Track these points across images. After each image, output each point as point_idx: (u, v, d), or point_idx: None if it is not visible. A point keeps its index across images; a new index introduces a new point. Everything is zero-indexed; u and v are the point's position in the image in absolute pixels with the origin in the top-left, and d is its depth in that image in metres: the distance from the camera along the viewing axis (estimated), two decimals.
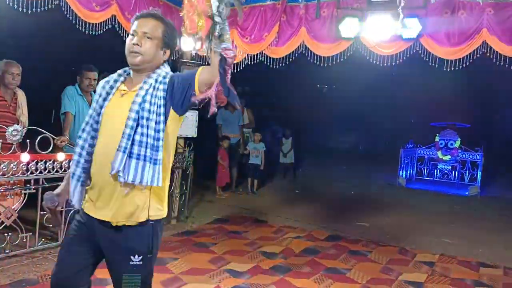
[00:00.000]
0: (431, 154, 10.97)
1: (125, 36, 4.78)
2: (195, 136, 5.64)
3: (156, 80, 1.90)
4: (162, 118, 1.85)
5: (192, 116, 5.57)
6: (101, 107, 1.92)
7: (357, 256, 4.73)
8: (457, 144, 10.57)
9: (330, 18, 5.05)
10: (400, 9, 4.41)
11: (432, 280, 4.16)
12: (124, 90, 1.94)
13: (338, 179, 9.87)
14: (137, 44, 1.89)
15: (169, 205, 5.36)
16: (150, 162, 1.83)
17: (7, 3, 3.56)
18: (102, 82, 2.00)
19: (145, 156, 1.82)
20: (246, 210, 6.65)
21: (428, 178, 10.91)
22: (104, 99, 1.94)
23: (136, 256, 1.89)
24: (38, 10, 3.82)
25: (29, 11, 3.73)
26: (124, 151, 1.80)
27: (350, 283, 3.96)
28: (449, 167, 10.73)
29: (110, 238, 1.91)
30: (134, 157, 1.82)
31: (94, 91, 4.66)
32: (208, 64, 1.85)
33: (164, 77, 1.91)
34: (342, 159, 12.59)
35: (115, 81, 1.97)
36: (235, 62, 5.56)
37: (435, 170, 10.96)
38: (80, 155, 1.94)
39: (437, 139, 10.80)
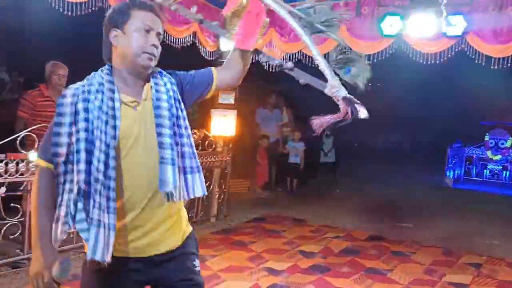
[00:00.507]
0: (480, 153, 10.56)
1: (165, 37, 4.92)
2: (233, 135, 5.70)
3: (164, 82, 1.64)
4: (187, 122, 1.67)
5: (230, 116, 5.64)
6: (114, 128, 1.50)
7: (399, 257, 4.63)
8: (508, 143, 10.12)
9: (370, 16, 4.96)
10: (442, 7, 4.27)
11: (478, 282, 4.01)
12: (135, 102, 1.58)
13: (381, 178, 9.66)
14: (157, 47, 1.60)
15: (208, 203, 5.54)
16: (198, 172, 1.66)
17: (52, 6, 3.73)
18: (74, 91, 1.54)
19: (191, 167, 1.63)
20: (284, 209, 6.66)
21: (477, 179, 10.52)
22: (114, 118, 1.51)
23: (196, 260, 1.77)
24: (82, 13, 3.98)
25: (74, 14, 3.89)
26: (172, 163, 1.54)
27: (391, 283, 3.88)
28: (500, 167, 10.30)
29: (168, 265, 1.67)
30: (187, 171, 1.62)
31: None
32: None
33: (169, 78, 1.67)
34: (385, 158, 12.29)
35: (111, 91, 1.54)
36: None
37: (485, 170, 10.53)
38: (108, 198, 1.49)
39: (486, 138, 10.38)
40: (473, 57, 4.58)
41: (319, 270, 4.10)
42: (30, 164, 3.53)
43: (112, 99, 1.52)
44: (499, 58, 4.40)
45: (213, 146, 5.44)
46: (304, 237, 5.21)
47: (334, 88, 1.63)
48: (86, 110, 1.51)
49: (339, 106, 1.63)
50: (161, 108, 1.58)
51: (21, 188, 3.62)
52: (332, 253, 4.66)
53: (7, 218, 3.57)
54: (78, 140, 1.48)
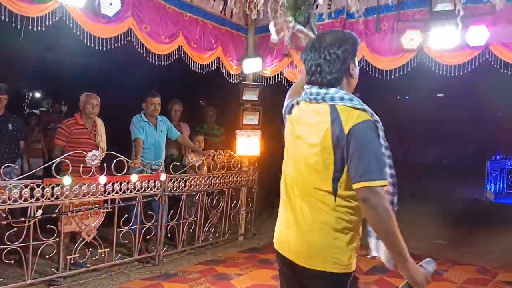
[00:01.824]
0: None
1: (190, 64, 5.15)
2: (258, 154, 5.80)
3: None
4: None
5: (255, 136, 5.75)
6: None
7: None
8: None
9: (390, 31, 4.98)
10: (459, 19, 4.24)
11: None
12: None
13: (419, 194, 9.40)
14: None
15: (235, 222, 5.62)
16: None
17: (85, 42, 4.03)
18: None
19: None
20: None
21: None
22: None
23: None
24: (112, 47, 4.26)
25: (102, 48, 4.18)
26: None
27: None
28: None
29: None
30: None
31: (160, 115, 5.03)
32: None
33: None
34: (423, 173, 11.98)
35: None
36: (295, 81, 5.73)
37: None
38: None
39: None
40: (498, 67, 4.48)
41: None
42: (65, 188, 3.77)
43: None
44: None
45: (239, 165, 5.56)
46: None
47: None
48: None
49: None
50: None
51: (56, 211, 3.85)
52: (361, 272, 4.59)
53: (44, 239, 3.79)
54: (388, 157, 1.72)
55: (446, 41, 4.53)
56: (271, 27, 2.25)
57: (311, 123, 1.76)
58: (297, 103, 1.88)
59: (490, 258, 5.06)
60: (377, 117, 1.69)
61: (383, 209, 1.56)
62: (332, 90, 1.73)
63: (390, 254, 1.68)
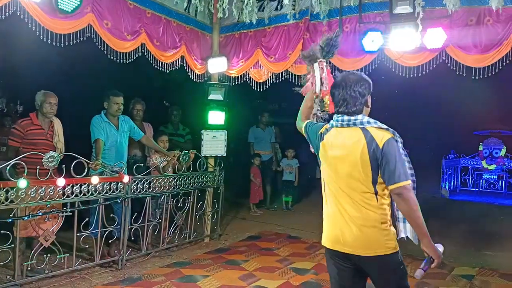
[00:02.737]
0: (475, 164, 10.58)
1: (155, 63, 5.03)
2: (224, 155, 5.76)
3: None
4: None
5: (221, 136, 5.71)
6: None
7: None
8: (503, 152, 10.14)
9: (353, 33, 5.08)
10: (419, 21, 4.38)
11: None
12: None
13: None
14: None
15: (201, 223, 5.56)
16: None
17: (41, 38, 3.85)
18: None
19: None
20: (279, 226, 6.67)
21: (474, 189, 10.50)
22: None
23: None
24: (71, 43, 4.10)
25: (61, 44, 4.01)
26: None
27: None
28: (495, 177, 10.29)
29: None
30: None
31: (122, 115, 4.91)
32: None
33: None
34: None
35: None
36: (260, 81, 5.76)
37: (481, 180, 10.53)
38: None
39: (481, 148, 10.41)
40: (454, 68, 4.65)
41: (311, 287, 4.11)
42: (20, 192, 3.58)
43: None
44: (479, 69, 4.48)
45: (205, 166, 5.49)
46: (298, 254, 5.22)
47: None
48: None
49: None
50: None
51: (11, 215, 3.65)
52: (325, 269, 4.58)
53: None
54: (408, 161, 2.30)
55: (405, 43, 4.66)
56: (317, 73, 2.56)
57: (347, 145, 2.25)
58: (327, 130, 2.37)
59: (446, 253, 5.21)
60: (395, 132, 2.25)
61: (412, 200, 2.14)
62: (359, 116, 2.27)
63: (416, 233, 2.22)
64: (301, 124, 2.59)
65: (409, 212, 2.16)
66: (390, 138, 2.20)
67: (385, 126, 2.26)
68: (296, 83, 5.48)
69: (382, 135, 2.20)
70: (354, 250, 2.25)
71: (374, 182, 2.20)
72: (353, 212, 2.24)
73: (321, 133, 2.40)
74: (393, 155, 2.16)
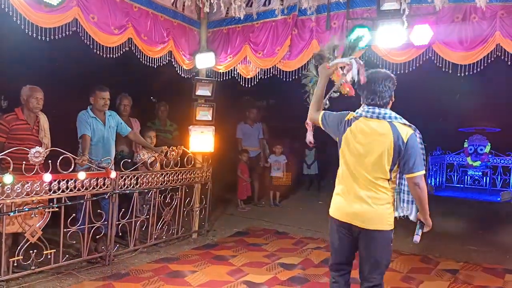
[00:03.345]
0: (460, 160, 10.73)
1: (141, 57, 4.99)
2: (212, 151, 5.75)
3: None
4: None
5: (209, 132, 5.69)
6: None
7: None
8: (487, 149, 10.29)
9: (340, 29, 5.09)
10: (404, 18, 4.42)
11: (454, 287, 4.07)
12: None
13: None
14: None
15: (189, 219, 5.55)
16: None
17: (26, 32, 3.79)
18: None
19: None
20: (267, 222, 6.69)
21: (459, 185, 10.65)
22: None
23: None
24: (56, 37, 4.04)
25: (47, 39, 3.95)
26: None
27: None
28: (480, 173, 10.45)
29: None
30: None
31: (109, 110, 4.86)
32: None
33: None
34: None
35: None
36: (249, 77, 5.75)
37: (466, 177, 10.69)
38: None
39: (465, 145, 10.56)
40: (440, 65, 4.70)
41: (298, 282, 4.14)
42: (6, 187, 3.53)
43: None
44: (465, 66, 4.52)
45: (192, 162, 5.48)
46: (285, 249, 5.24)
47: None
48: None
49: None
50: None
51: None
52: (312, 264, 4.69)
53: None
54: (423, 154, 2.68)
55: (392, 40, 4.69)
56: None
57: (375, 135, 2.59)
58: (355, 118, 2.67)
59: (431, 248, 5.32)
60: (416, 128, 2.62)
61: (424, 188, 2.59)
62: (388, 111, 2.63)
63: (421, 213, 2.70)
64: (316, 115, 2.86)
65: (421, 197, 2.59)
66: (412, 133, 2.57)
67: (408, 123, 2.61)
68: (284, 79, 5.51)
69: (406, 130, 2.57)
70: (362, 223, 2.64)
71: (391, 170, 2.58)
72: (367, 192, 2.62)
73: (348, 119, 2.70)
74: (415, 149, 2.54)
